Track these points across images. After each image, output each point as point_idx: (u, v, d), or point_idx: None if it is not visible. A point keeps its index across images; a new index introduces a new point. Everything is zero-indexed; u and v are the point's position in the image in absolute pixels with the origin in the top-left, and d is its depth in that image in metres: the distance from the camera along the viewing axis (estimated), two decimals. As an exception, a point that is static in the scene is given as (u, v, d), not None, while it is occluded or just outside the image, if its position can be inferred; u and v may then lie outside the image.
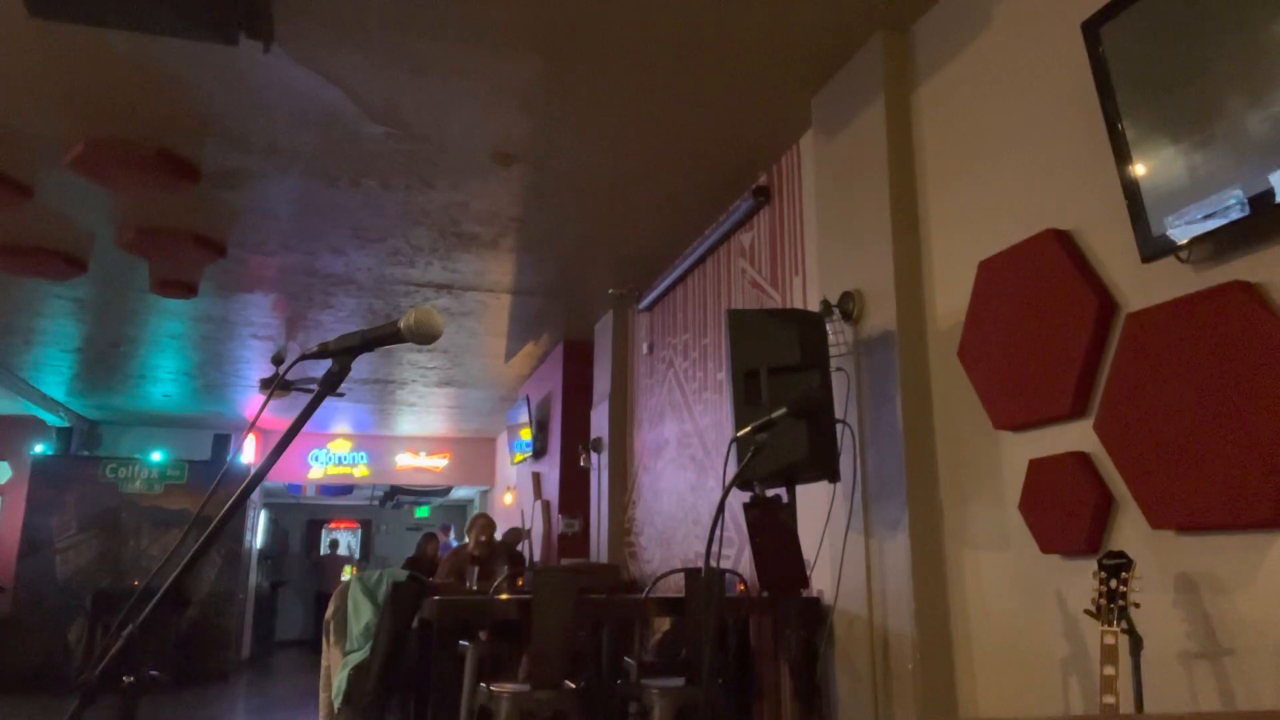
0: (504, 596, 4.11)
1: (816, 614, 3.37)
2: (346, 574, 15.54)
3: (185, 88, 3.68)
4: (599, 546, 6.65)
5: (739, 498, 3.57)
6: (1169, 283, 2.11)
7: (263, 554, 13.02)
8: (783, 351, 2.93)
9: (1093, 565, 1.95)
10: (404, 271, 5.92)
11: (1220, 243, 1.99)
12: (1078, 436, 2.36)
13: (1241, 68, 1.89)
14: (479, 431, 12.46)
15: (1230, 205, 1.89)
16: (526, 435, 8.31)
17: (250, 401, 10.02)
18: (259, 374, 8.70)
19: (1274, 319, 1.86)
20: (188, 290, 6.07)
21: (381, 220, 5.08)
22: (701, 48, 3.42)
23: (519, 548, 7.02)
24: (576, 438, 7.31)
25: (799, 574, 2.90)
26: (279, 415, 10.39)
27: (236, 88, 3.69)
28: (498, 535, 6.45)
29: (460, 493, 15.09)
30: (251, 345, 7.77)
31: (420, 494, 15.43)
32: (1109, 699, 1.77)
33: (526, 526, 8.25)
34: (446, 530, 13.90)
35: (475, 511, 13.65)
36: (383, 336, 1.36)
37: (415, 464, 12.85)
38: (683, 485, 5.28)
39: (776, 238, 4.28)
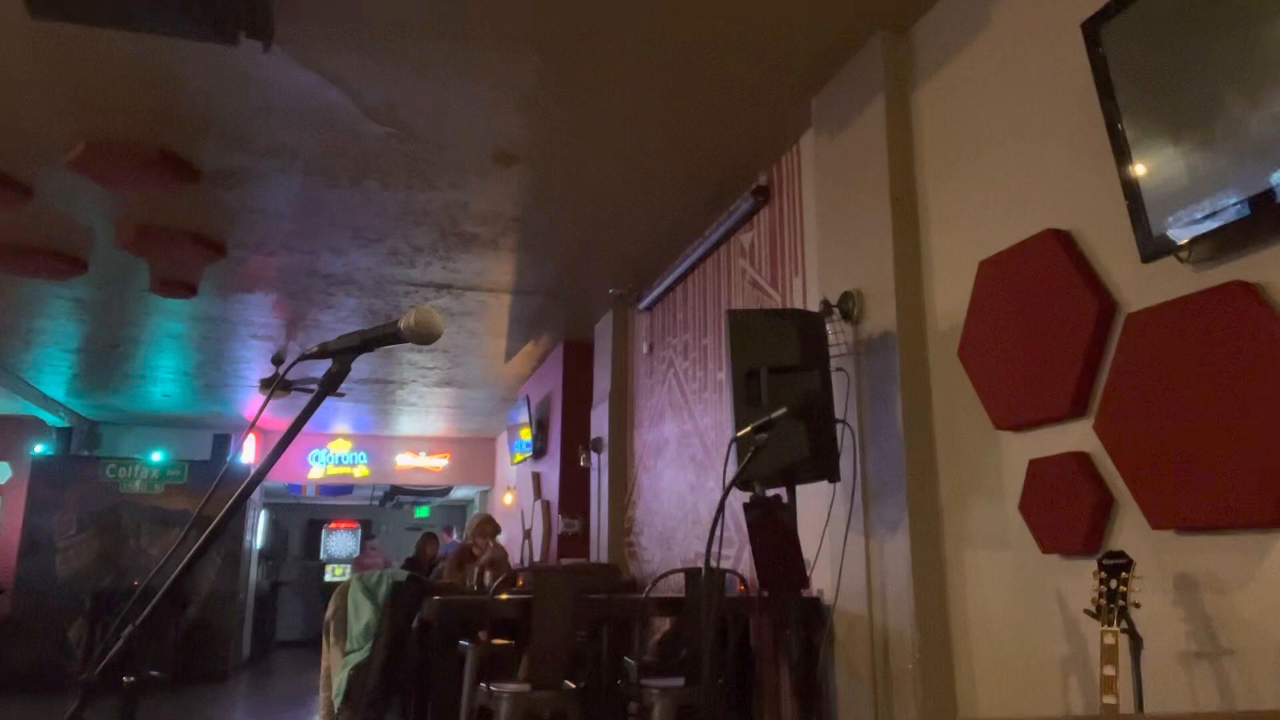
0: (504, 596, 4.11)
1: (816, 614, 3.37)
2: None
3: (185, 88, 3.68)
4: (599, 546, 6.65)
5: (739, 498, 3.57)
6: (1169, 283, 2.11)
7: (263, 554, 13.02)
8: (783, 351, 2.93)
9: (1093, 565, 1.95)
10: (404, 271, 5.92)
11: (1220, 243, 1.99)
12: (1078, 436, 2.36)
13: (1241, 68, 1.89)
14: (479, 431, 12.46)
15: (1230, 205, 1.89)
16: (526, 435, 8.31)
17: (250, 401, 10.02)
18: (259, 374, 8.69)
19: (1274, 319, 1.86)
20: (188, 290, 6.07)
21: (381, 220, 5.08)
22: (701, 48, 3.42)
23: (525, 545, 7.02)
24: (576, 438, 7.30)
25: (799, 574, 2.90)
26: (279, 415, 10.39)
27: (236, 88, 3.69)
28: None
29: (460, 493, 15.09)
30: (251, 345, 7.77)
31: (420, 494, 15.41)
32: (1109, 699, 1.77)
33: (527, 526, 8.26)
34: (450, 531, 13.89)
35: (475, 511, 13.66)
36: (382, 337, 1.35)
37: (415, 464, 12.84)
38: (683, 485, 5.28)
39: (776, 238, 4.28)
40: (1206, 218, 1.94)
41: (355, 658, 5.11)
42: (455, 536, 13.31)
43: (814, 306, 3.59)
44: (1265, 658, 1.85)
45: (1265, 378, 1.84)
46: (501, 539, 6.37)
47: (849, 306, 3.25)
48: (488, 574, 5.79)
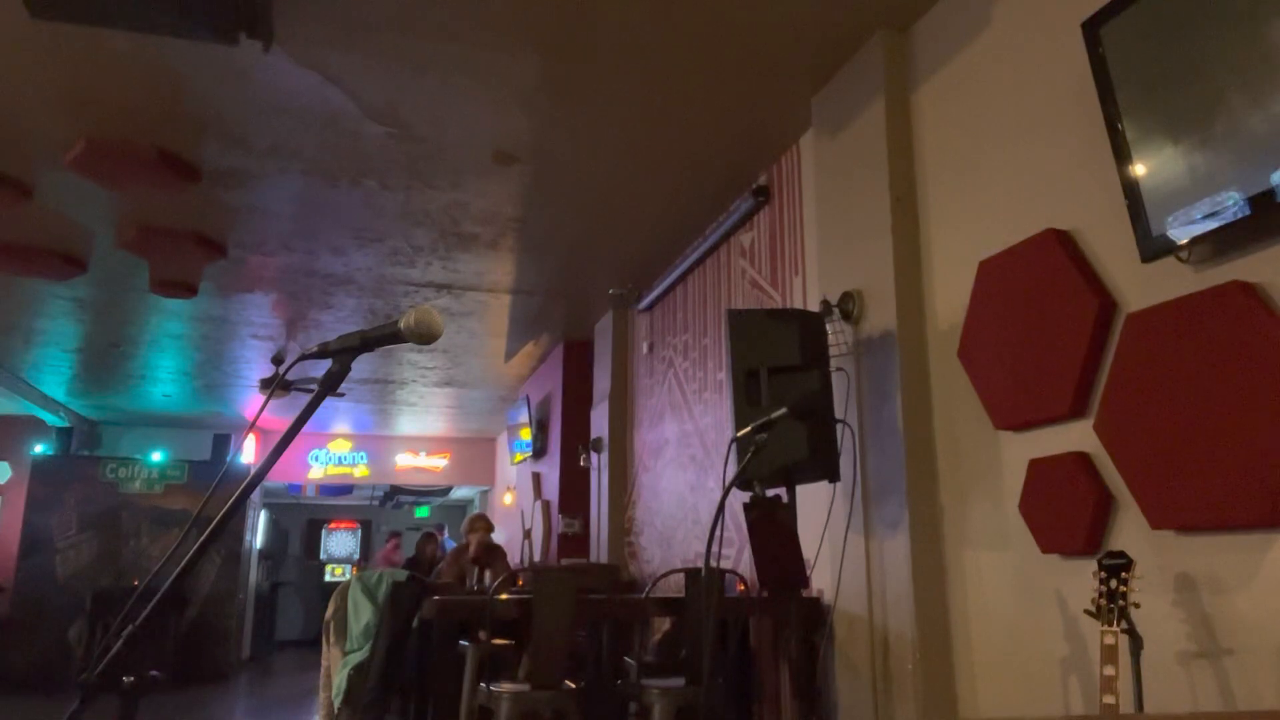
0: (504, 596, 4.11)
1: (816, 614, 3.37)
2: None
3: (185, 88, 3.68)
4: (599, 546, 6.65)
5: (739, 498, 3.57)
6: (1169, 283, 2.11)
7: (263, 554, 13.02)
8: (783, 351, 2.93)
9: (1093, 565, 1.95)
10: (404, 271, 5.92)
11: (1220, 243, 1.99)
12: (1078, 436, 2.36)
13: (1241, 68, 1.89)
14: (479, 431, 12.45)
15: (1230, 205, 1.89)
16: (526, 435, 8.31)
17: (250, 401, 10.02)
18: (259, 374, 8.70)
19: (1274, 319, 1.86)
20: (188, 290, 6.07)
21: (381, 220, 5.08)
22: (702, 47, 3.42)
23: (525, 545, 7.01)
24: (576, 438, 7.30)
25: (799, 574, 2.90)
26: (279, 415, 10.39)
27: (236, 88, 3.69)
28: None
29: (460, 493, 15.08)
30: (251, 345, 7.77)
31: (420, 494, 15.41)
32: (1109, 699, 1.77)
33: (527, 526, 8.26)
34: (441, 529, 13.89)
35: (475, 512, 13.64)
36: (383, 337, 1.35)
37: (415, 464, 12.83)
38: (683, 485, 5.28)
39: (776, 238, 4.28)
40: (1206, 218, 1.94)
41: (355, 658, 5.11)
42: (446, 536, 13.33)
43: (814, 306, 3.59)
44: (1265, 658, 1.85)
45: (1265, 378, 1.84)
46: (500, 538, 6.37)
47: (849, 306, 3.25)
48: (488, 573, 5.79)
